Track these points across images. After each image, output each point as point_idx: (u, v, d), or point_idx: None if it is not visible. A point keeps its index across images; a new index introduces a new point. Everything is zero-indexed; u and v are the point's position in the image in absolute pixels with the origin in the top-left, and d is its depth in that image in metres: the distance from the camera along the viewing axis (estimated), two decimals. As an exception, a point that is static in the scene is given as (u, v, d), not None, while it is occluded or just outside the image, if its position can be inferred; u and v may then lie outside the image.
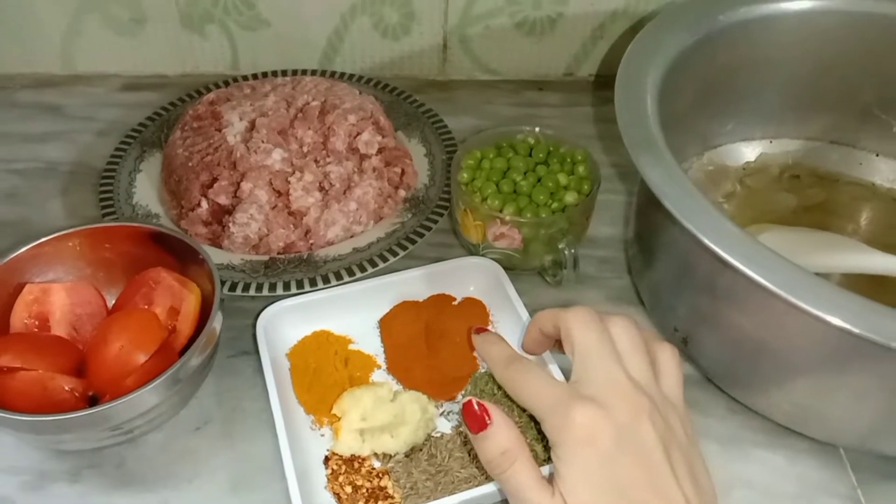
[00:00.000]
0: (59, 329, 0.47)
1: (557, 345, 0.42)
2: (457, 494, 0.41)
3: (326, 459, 0.45)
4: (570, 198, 0.52)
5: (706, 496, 0.36)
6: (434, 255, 0.57)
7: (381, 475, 0.44)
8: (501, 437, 0.37)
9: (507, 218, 0.52)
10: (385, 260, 0.54)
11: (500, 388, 0.46)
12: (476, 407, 0.38)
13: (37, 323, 0.47)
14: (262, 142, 0.57)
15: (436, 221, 0.57)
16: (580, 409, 0.35)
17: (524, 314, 0.49)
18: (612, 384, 0.36)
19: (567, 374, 0.43)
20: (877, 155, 0.61)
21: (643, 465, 0.34)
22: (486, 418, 0.38)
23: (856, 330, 0.35)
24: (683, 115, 0.53)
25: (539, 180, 0.53)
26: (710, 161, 0.62)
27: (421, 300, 0.53)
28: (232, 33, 0.71)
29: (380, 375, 0.49)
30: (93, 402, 0.44)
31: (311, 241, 0.56)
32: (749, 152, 0.63)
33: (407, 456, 0.44)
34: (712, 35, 0.53)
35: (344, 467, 0.44)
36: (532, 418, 0.44)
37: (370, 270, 0.53)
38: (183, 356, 0.42)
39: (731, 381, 0.48)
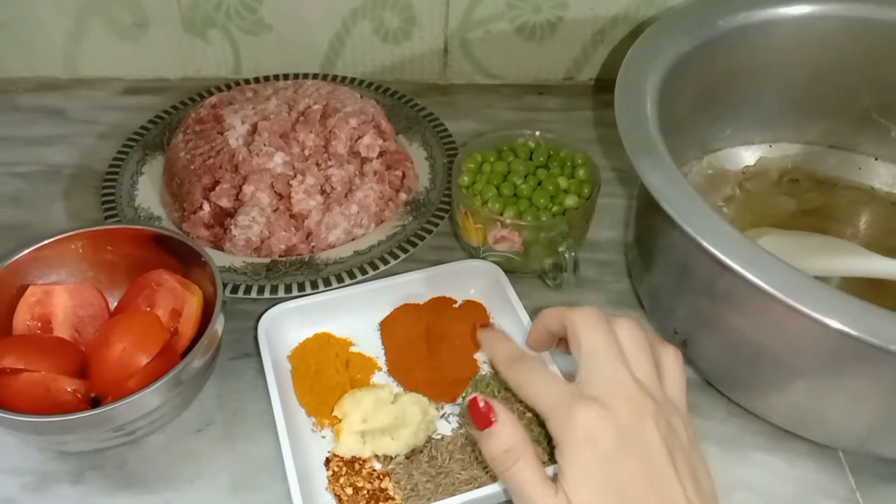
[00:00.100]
0: (61, 331, 0.47)
1: (563, 343, 0.42)
2: (457, 496, 0.41)
3: (327, 461, 0.45)
4: (571, 201, 0.53)
5: (708, 498, 0.36)
6: (435, 258, 0.57)
7: (381, 477, 0.44)
8: (506, 434, 0.37)
9: (508, 221, 0.52)
10: (386, 263, 0.54)
11: (501, 389, 0.47)
12: (482, 404, 0.38)
13: (39, 325, 0.47)
14: (264, 145, 0.57)
15: (436, 224, 0.58)
16: (584, 410, 0.35)
17: (525, 317, 0.50)
18: (616, 385, 0.36)
19: (567, 374, 0.44)
20: (875, 159, 0.62)
21: (646, 466, 0.34)
22: (492, 416, 0.38)
23: (854, 332, 0.35)
24: (683, 119, 0.54)
25: (539, 184, 0.54)
26: (709, 165, 0.62)
27: (422, 303, 0.53)
28: (234, 37, 0.71)
29: (381, 377, 0.50)
30: (95, 403, 0.44)
31: (312, 244, 0.56)
32: (748, 156, 0.63)
33: (408, 458, 0.45)
34: (712, 40, 0.54)
35: (345, 469, 0.44)
36: (535, 418, 0.44)
37: (371, 273, 0.54)
38: (185, 358, 0.42)
39: (731, 384, 0.48)
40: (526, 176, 0.54)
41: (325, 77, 0.70)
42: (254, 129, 0.58)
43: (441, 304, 0.53)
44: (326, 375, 0.49)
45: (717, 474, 0.39)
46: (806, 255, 0.50)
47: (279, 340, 0.50)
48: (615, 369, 0.37)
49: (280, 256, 0.56)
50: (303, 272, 0.54)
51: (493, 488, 0.42)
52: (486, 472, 0.44)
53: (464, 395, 0.48)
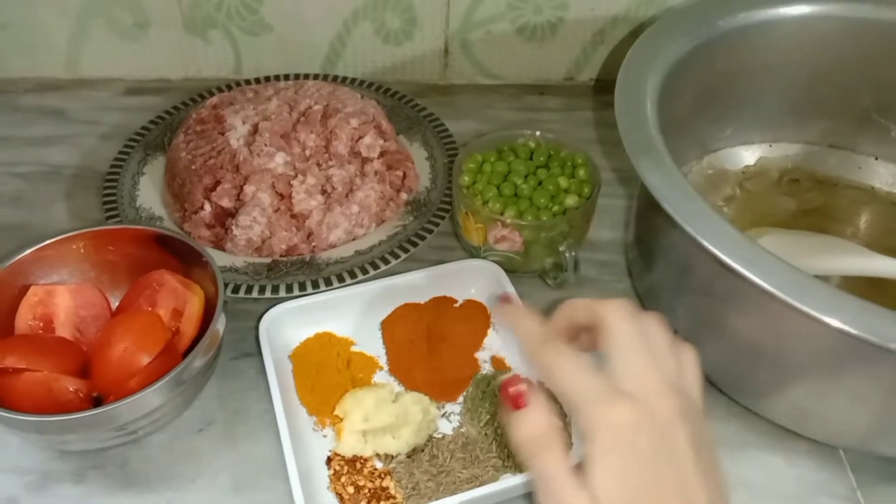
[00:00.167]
0: (63, 331, 0.47)
1: (584, 339, 0.41)
2: (458, 495, 0.41)
3: (329, 460, 0.45)
4: (571, 201, 0.53)
5: (724, 500, 0.35)
6: (435, 258, 0.57)
7: (383, 476, 0.44)
8: (538, 420, 0.36)
9: (508, 221, 0.52)
10: (387, 262, 0.55)
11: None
12: (518, 386, 0.37)
13: (41, 325, 0.47)
14: (265, 145, 0.57)
15: (437, 224, 0.58)
16: (620, 405, 0.34)
17: (525, 316, 0.50)
18: (651, 383, 0.35)
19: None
20: (875, 159, 0.62)
21: (676, 469, 0.33)
22: (523, 399, 0.36)
23: (854, 331, 0.35)
24: (683, 119, 0.54)
25: (540, 183, 0.54)
26: (709, 165, 0.62)
27: (422, 302, 0.53)
28: (235, 38, 0.71)
29: (382, 377, 0.50)
30: (97, 402, 0.44)
31: (313, 244, 0.56)
32: (748, 156, 0.63)
33: (409, 457, 0.45)
34: (712, 40, 0.54)
35: (346, 468, 0.44)
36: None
37: (372, 273, 0.54)
38: (186, 358, 0.42)
39: (731, 383, 0.48)
40: (526, 176, 0.54)
41: (325, 77, 0.70)
42: (255, 130, 0.58)
43: (442, 304, 0.53)
44: (327, 375, 0.49)
45: (718, 473, 0.39)
46: (806, 254, 0.50)
47: (280, 340, 0.50)
48: (648, 365, 0.36)
49: (281, 256, 0.56)
50: (304, 272, 0.54)
51: (493, 487, 0.42)
52: (487, 471, 0.44)
53: (465, 394, 0.48)
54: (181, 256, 0.48)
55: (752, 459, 0.47)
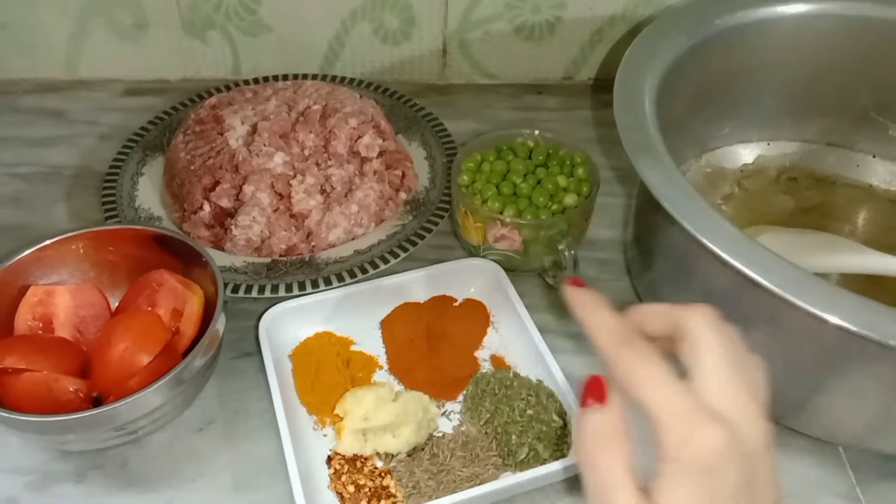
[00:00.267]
0: (63, 331, 0.47)
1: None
2: (458, 493, 0.42)
3: (329, 459, 0.45)
4: (570, 199, 0.53)
5: None
6: (435, 257, 0.57)
7: (383, 474, 0.44)
8: (614, 419, 0.33)
9: (508, 220, 0.52)
10: (386, 262, 0.55)
11: (501, 387, 0.47)
12: (597, 382, 0.34)
13: (41, 325, 0.47)
14: (264, 145, 0.57)
15: (436, 224, 0.58)
16: (710, 428, 0.30)
17: (525, 315, 0.50)
18: (742, 403, 0.32)
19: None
20: (873, 157, 0.62)
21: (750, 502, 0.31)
22: (599, 396, 0.33)
23: (853, 328, 0.36)
24: (681, 118, 0.54)
25: (539, 182, 0.54)
26: (707, 163, 0.62)
27: (422, 301, 0.53)
28: (233, 38, 0.71)
29: (381, 376, 0.50)
30: (97, 402, 0.44)
31: (312, 244, 0.56)
32: (746, 155, 0.63)
33: (409, 455, 0.45)
34: (709, 39, 0.54)
35: (346, 467, 0.44)
36: (536, 418, 0.44)
37: (371, 272, 0.54)
38: (186, 357, 0.42)
39: (730, 381, 0.48)
40: (525, 175, 0.54)
41: (324, 77, 0.70)
42: (254, 130, 0.58)
43: (441, 303, 0.53)
44: (327, 374, 0.49)
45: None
46: (805, 252, 0.50)
47: (280, 339, 0.50)
48: (740, 384, 0.32)
49: (280, 256, 0.56)
50: (303, 271, 0.54)
51: (493, 485, 0.42)
52: (487, 469, 0.44)
53: (464, 392, 0.48)
54: (181, 256, 0.48)
55: (752, 457, 0.47)
